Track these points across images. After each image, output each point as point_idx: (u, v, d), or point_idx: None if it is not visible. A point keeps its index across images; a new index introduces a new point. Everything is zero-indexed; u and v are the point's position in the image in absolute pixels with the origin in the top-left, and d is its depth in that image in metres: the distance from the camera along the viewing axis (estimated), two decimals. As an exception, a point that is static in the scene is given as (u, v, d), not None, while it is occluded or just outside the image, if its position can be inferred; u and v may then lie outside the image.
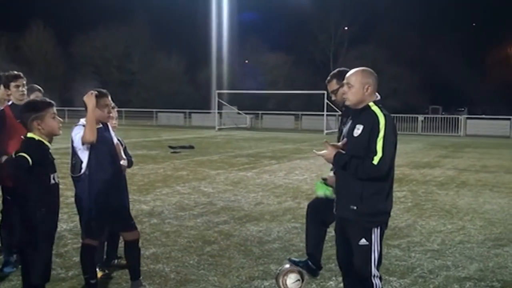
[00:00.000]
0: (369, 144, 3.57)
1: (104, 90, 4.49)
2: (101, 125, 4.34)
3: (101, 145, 4.23)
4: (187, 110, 41.41)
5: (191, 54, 53.08)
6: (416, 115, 34.66)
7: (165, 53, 54.97)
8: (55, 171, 3.79)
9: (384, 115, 3.63)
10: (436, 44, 68.14)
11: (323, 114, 31.85)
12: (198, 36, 51.45)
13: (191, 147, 19.02)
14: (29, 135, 3.73)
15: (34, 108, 3.74)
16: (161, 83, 51.04)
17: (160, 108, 41.40)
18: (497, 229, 7.33)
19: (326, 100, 30.91)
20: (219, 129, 33.95)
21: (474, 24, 74.47)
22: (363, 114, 3.70)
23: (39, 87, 6.08)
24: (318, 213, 4.92)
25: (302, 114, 37.41)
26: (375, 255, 3.68)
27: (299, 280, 4.68)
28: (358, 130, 3.65)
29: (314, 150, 4.12)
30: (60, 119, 3.83)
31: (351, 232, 3.74)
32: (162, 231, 6.98)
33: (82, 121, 4.31)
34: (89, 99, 4.17)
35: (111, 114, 4.49)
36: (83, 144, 4.16)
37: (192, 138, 25.02)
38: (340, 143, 3.84)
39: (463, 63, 63.32)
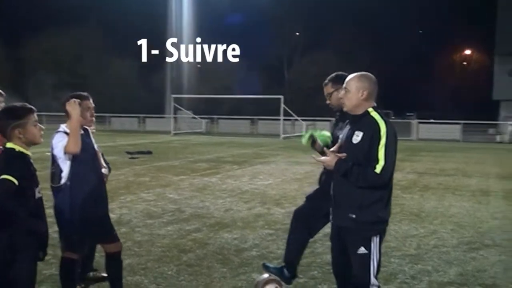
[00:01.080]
0: (369, 152, 3.48)
1: (85, 93, 4.25)
2: (82, 131, 4.10)
3: (83, 153, 3.98)
4: (141, 115, 40.68)
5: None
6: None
7: (118, 57, 53.96)
8: (38, 184, 3.48)
9: (385, 122, 3.55)
10: (386, 49, 69.66)
11: (279, 119, 31.90)
12: (152, 39, 50.70)
13: (149, 153, 18.63)
14: (8, 145, 3.39)
15: (15, 115, 3.40)
16: (114, 87, 50.01)
17: (113, 112, 40.49)
18: (468, 233, 7.43)
19: (283, 105, 31.03)
20: (175, 134, 33.53)
21: (420, 32, 76.41)
22: (362, 121, 3.62)
23: (0, 90, 5.64)
24: (304, 221, 4.79)
25: (258, 119, 37.39)
26: (374, 264, 3.60)
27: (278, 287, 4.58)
28: (357, 137, 3.56)
29: (313, 156, 3.99)
30: (42, 126, 3.54)
31: (349, 241, 3.65)
32: (133, 240, 6.74)
33: (63, 127, 4.06)
34: (73, 107, 3.92)
35: (93, 118, 4.26)
36: (65, 153, 3.91)
37: (148, 143, 24.56)
38: (334, 148, 3.75)
39: (412, 69, 64.84)
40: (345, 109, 3.75)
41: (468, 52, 76.22)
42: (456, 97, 67.39)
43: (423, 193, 10.88)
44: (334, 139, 4.54)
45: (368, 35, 63.49)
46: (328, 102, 4.73)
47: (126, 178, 12.44)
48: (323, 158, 3.72)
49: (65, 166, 4.00)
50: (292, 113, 32.66)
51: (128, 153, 18.04)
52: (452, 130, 32.26)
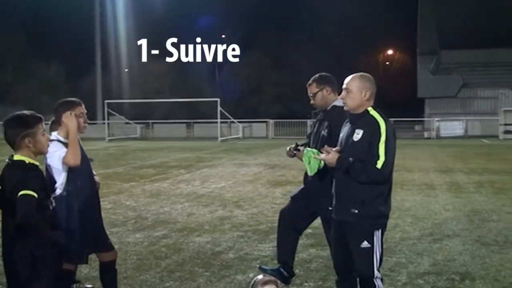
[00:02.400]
0: (370, 149, 3.63)
1: (78, 100, 4.16)
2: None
3: (80, 163, 3.91)
4: (71, 122, 39.35)
5: (72, 62, 50.77)
6: (305, 120, 35.87)
7: (43, 62, 51.98)
8: (50, 195, 3.38)
9: (384, 119, 3.72)
10: (313, 50, 71.24)
11: (216, 122, 31.89)
12: (79, 43, 49.28)
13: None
14: (17, 157, 3.26)
15: (25, 124, 3.28)
16: (40, 94, 48.10)
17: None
18: (427, 225, 7.79)
19: (219, 108, 31.05)
20: (109, 140, 32.78)
21: (343, 33, 78.65)
22: (362, 119, 3.77)
23: None
24: (292, 220, 4.87)
25: (194, 122, 37.20)
26: (377, 257, 3.75)
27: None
28: (358, 135, 3.70)
29: (315, 156, 4.09)
30: (48, 135, 3.45)
31: (352, 235, 3.78)
32: (105, 249, 6.60)
33: (55, 135, 3.96)
34: (69, 119, 3.84)
35: (86, 124, 4.18)
36: (62, 164, 3.81)
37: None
38: (335, 149, 3.85)
39: (338, 70, 66.59)
40: (346, 108, 3.86)
41: (390, 52, 79.11)
42: (381, 96, 69.57)
43: (374, 189, 11.25)
44: (316, 138, 4.68)
45: (295, 35, 64.49)
46: (312, 102, 4.82)
47: (74, 187, 12.08)
48: (323, 155, 3.81)
49: (60, 177, 3.90)
50: (228, 115, 32.75)
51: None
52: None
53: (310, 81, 4.80)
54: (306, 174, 4.72)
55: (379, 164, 3.60)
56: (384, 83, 73.76)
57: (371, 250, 3.73)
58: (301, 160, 4.49)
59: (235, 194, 10.91)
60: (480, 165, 16.01)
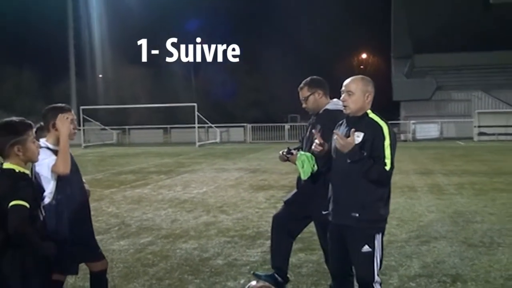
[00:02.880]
0: (372, 151, 3.59)
1: (67, 105, 4.04)
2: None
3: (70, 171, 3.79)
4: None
5: (45, 67, 50.05)
6: (282, 124, 35.92)
7: (15, 67, 51.10)
8: (40, 205, 3.25)
9: (386, 123, 3.69)
10: (288, 55, 71.57)
11: (194, 127, 31.69)
12: (53, 48, 48.60)
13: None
14: (7, 165, 3.13)
15: (14, 131, 3.16)
16: (13, 100, 47.26)
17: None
18: (413, 227, 7.81)
19: (197, 113, 30.87)
20: (86, 147, 32.35)
21: (319, 37, 79.23)
22: (362, 122, 3.72)
23: None
24: (285, 225, 4.83)
25: (171, 127, 36.93)
26: (377, 261, 3.72)
27: None
28: (358, 137, 3.65)
29: (336, 132, 3.78)
30: (38, 142, 3.32)
31: (352, 240, 3.73)
32: (90, 258, 6.46)
33: (44, 142, 3.83)
34: (63, 123, 3.71)
35: (76, 131, 4.06)
36: (51, 172, 3.69)
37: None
38: (338, 137, 3.72)
39: (312, 73, 66.88)
40: (347, 111, 3.79)
41: (364, 56, 79.91)
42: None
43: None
44: (309, 142, 4.63)
45: (271, 41, 64.70)
46: (304, 106, 4.77)
47: (53, 195, 11.85)
48: (338, 137, 3.63)
49: (49, 185, 3.78)
50: (206, 120, 32.61)
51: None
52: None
53: (301, 85, 4.76)
54: (299, 178, 4.68)
55: (388, 166, 3.58)
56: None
57: (372, 254, 3.69)
58: (295, 164, 4.44)
59: (218, 199, 10.82)
60: (458, 167, 16.19)
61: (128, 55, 54.39)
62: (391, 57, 50.97)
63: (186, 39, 58.49)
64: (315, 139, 4.07)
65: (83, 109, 33.93)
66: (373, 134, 3.63)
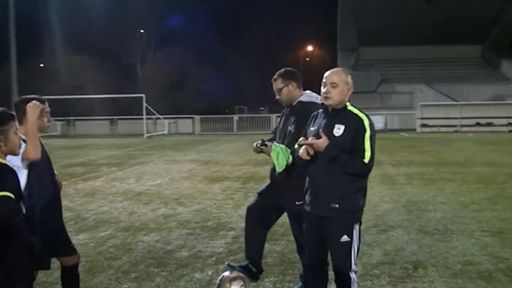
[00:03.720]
0: (353, 143, 3.64)
1: (42, 96, 3.93)
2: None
3: (41, 160, 3.70)
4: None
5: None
6: (231, 116, 35.93)
7: None
8: (22, 198, 3.15)
9: (366, 115, 3.75)
10: (235, 46, 71.67)
11: (142, 118, 31.24)
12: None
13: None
14: None
15: None
16: None
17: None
18: (370, 216, 7.98)
19: (145, 104, 30.45)
20: (28, 138, 31.31)
21: (261, 29, 79.70)
22: (342, 114, 3.76)
23: None
24: (258, 216, 4.81)
25: (118, 119, 36.26)
26: (355, 250, 3.79)
27: (243, 285, 4.63)
28: (339, 130, 3.68)
29: (301, 139, 3.83)
30: (21, 135, 3.21)
31: (331, 230, 3.77)
32: (49, 252, 6.31)
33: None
34: (33, 109, 3.61)
35: (49, 124, 3.95)
36: (22, 160, 3.58)
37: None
38: (310, 140, 3.75)
39: (260, 65, 67.46)
40: (329, 102, 3.77)
41: (310, 48, 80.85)
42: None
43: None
44: (283, 133, 4.66)
45: (218, 31, 64.57)
46: (277, 97, 4.76)
47: (1, 188, 11.46)
48: (310, 140, 3.70)
49: (22, 176, 3.67)
50: (154, 112, 32.22)
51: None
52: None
53: (275, 76, 4.73)
54: (273, 169, 4.70)
55: (367, 159, 3.64)
56: (305, 78, 75.61)
57: (350, 244, 3.75)
58: (269, 155, 4.46)
59: (173, 191, 10.75)
60: (405, 158, 16.68)
61: (72, 44, 53.14)
62: (337, 49, 51.80)
63: (131, 28, 57.73)
64: (303, 144, 3.89)
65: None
66: (354, 127, 3.68)
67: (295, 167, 4.28)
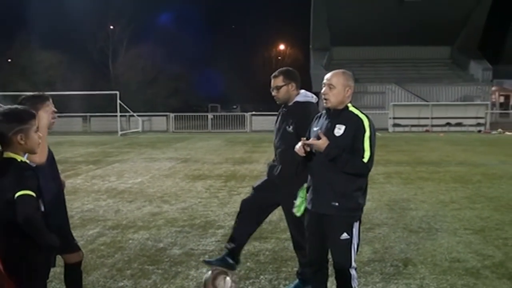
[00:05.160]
0: (353, 143, 3.76)
1: (46, 94, 3.92)
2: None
3: (46, 160, 3.70)
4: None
5: None
6: (205, 114, 35.86)
7: None
8: (41, 196, 3.15)
9: (366, 116, 3.86)
10: (208, 44, 71.61)
11: (116, 115, 30.94)
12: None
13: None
14: (9, 155, 3.00)
15: (19, 119, 3.02)
16: None
17: None
18: (354, 215, 8.16)
19: (119, 101, 30.17)
20: (-1, 135, 30.70)
21: (233, 26, 79.81)
22: (343, 115, 3.87)
23: None
24: (252, 211, 4.86)
25: (90, 116, 35.79)
26: (354, 248, 3.92)
27: (227, 277, 4.66)
28: (340, 130, 3.81)
29: (302, 139, 3.93)
30: (40, 133, 3.20)
31: (331, 228, 3.89)
32: (39, 251, 6.27)
33: None
34: (47, 114, 3.62)
35: (54, 121, 3.96)
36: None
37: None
38: (311, 140, 3.86)
39: (232, 64, 67.53)
40: (327, 104, 3.91)
41: (282, 47, 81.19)
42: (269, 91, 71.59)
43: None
44: (280, 133, 4.76)
45: (190, 28, 64.32)
46: (274, 94, 4.78)
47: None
48: (311, 141, 3.82)
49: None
50: (128, 109, 31.97)
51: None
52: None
53: (276, 73, 4.75)
54: (271, 166, 4.79)
55: (366, 158, 3.75)
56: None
57: (349, 241, 3.88)
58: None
59: (157, 189, 10.75)
60: (381, 157, 16.89)
61: (43, 39, 52.28)
62: (310, 49, 52.11)
63: (102, 24, 57.06)
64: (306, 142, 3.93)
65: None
66: (354, 127, 3.80)
67: (294, 165, 4.37)
